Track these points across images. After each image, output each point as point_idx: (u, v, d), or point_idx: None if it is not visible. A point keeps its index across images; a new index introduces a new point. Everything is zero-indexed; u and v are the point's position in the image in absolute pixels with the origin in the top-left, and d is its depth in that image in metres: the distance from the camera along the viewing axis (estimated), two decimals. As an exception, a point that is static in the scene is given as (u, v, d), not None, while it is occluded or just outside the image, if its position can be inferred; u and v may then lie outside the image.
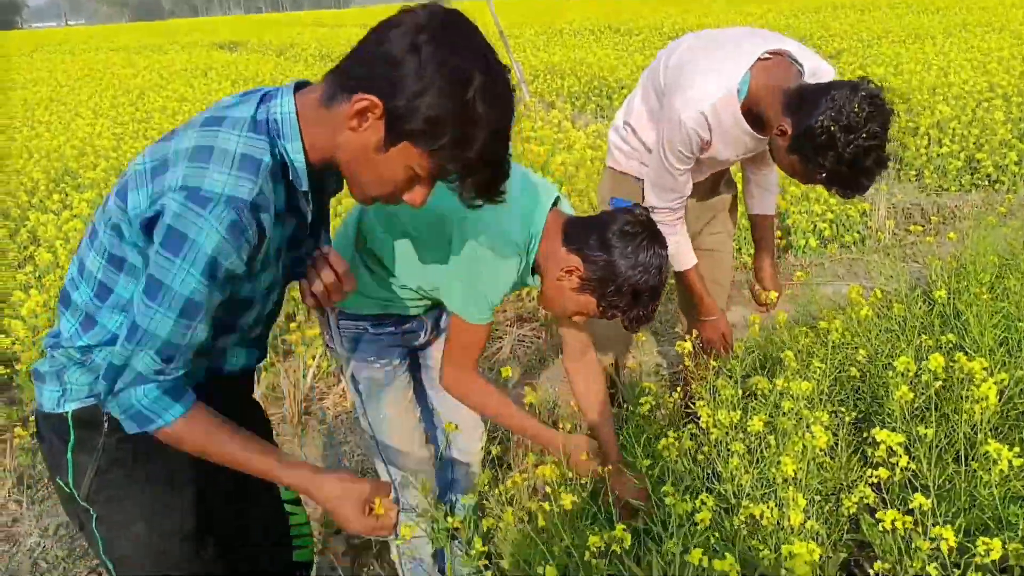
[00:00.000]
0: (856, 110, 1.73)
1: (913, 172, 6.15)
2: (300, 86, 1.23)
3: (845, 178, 1.81)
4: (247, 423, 1.51)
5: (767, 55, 2.01)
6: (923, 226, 4.97)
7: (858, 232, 4.92)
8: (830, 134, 1.74)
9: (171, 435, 1.22)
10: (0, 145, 7.31)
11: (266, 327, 1.43)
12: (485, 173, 1.17)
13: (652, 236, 1.62)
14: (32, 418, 1.39)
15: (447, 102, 1.08)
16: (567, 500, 1.63)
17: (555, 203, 1.71)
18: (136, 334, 1.16)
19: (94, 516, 1.33)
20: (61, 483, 1.34)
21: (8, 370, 3.42)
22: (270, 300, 1.36)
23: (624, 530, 1.46)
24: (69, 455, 1.31)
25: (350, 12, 57.21)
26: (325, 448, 3.03)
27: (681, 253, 2.30)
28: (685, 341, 2.34)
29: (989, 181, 5.86)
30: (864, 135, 1.73)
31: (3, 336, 3.48)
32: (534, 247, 1.66)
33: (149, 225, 1.13)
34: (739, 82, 2.00)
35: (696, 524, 1.47)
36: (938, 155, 6.03)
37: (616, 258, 1.59)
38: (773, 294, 2.45)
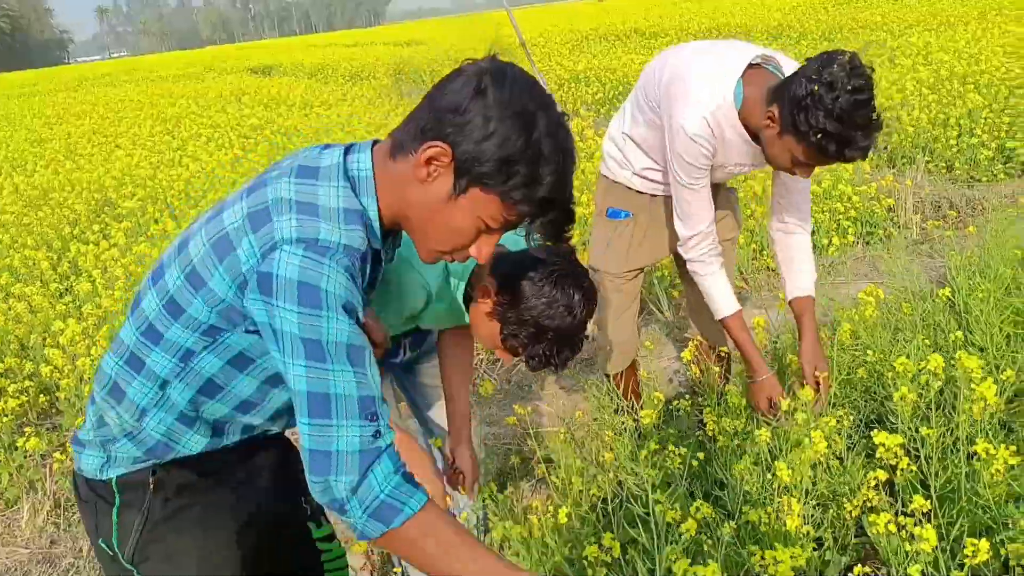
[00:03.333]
0: (834, 70, 1.79)
1: (944, 164, 6.03)
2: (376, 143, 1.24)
3: (841, 136, 1.81)
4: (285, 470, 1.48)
5: (756, 60, 2.05)
6: (945, 220, 4.87)
7: (883, 229, 4.85)
8: (813, 94, 1.79)
9: (412, 531, 1.10)
10: (45, 179, 7.60)
11: None
12: (555, 213, 1.18)
13: (567, 273, 1.52)
14: (73, 478, 1.37)
15: (516, 140, 1.10)
16: (563, 514, 1.66)
17: None
18: (323, 407, 1.09)
19: None
20: (104, 545, 1.32)
21: (48, 397, 3.57)
22: None
23: (612, 538, 1.49)
24: (115, 517, 1.30)
25: (381, 30, 58.05)
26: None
27: (719, 296, 2.21)
28: (692, 348, 2.37)
29: (1023, 170, 5.72)
30: (849, 88, 1.77)
31: (44, 364, 3.63)
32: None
33: (266, 283, 1.10)
34: (733, 90, 2.04)
35: (683, 533, 1.49)
36: (968, 146, 5.91)
37: (523, 283, 1.51)
38: (822, 374, 2.16)
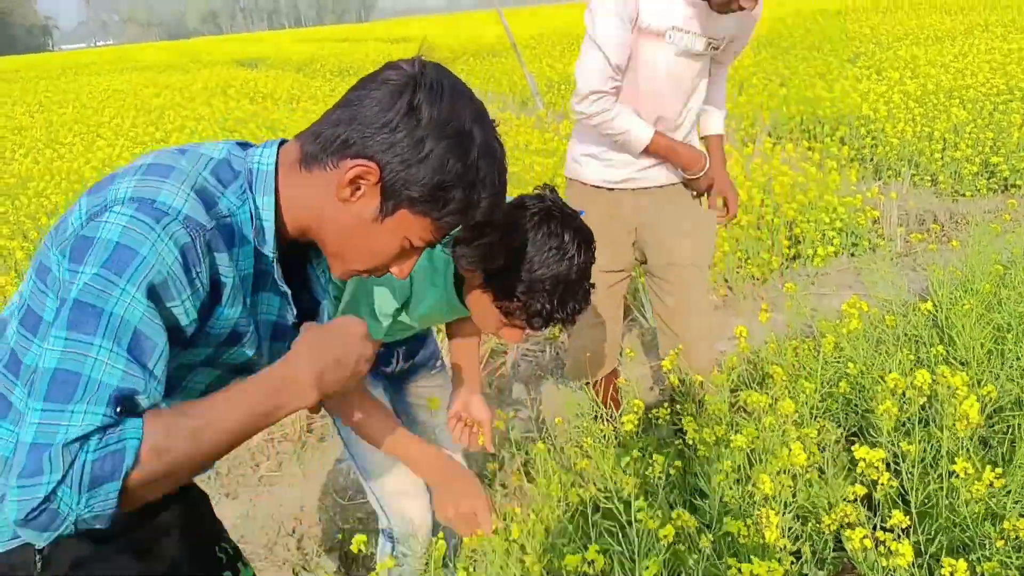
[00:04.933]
0: None
1: (929, 177, 6.08)
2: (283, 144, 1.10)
3: None
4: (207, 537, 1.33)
5: None
6: (929, 233, 4.91)
7: (868, 240, 4.87)
8: None
9: (149, 458, 0.86)
10: (24, 167, 7.48)
11: None
12: (491, 236, 1.09)
13: (546, 213, 1.38)
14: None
15: (453, 164, 0.99)
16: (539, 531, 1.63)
17: None
18: (67, 389, 0.84)
19: None
20: None
21: None
22: None
23: (597, 551, 1.47)
24: None
25: (371, 26, 57.87)
26: (324, 466, 3.06)
27: (633, 130, 2.20)
28: (672, 357, 2.35)
29: (1006, 185, 5.77)
30: None
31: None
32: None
33: (82, 247, 0.91)
34: None
35: (661, 539, 1.47)
36: (952, 159, 5.95)
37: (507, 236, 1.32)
38: (719, 200, 2.37)
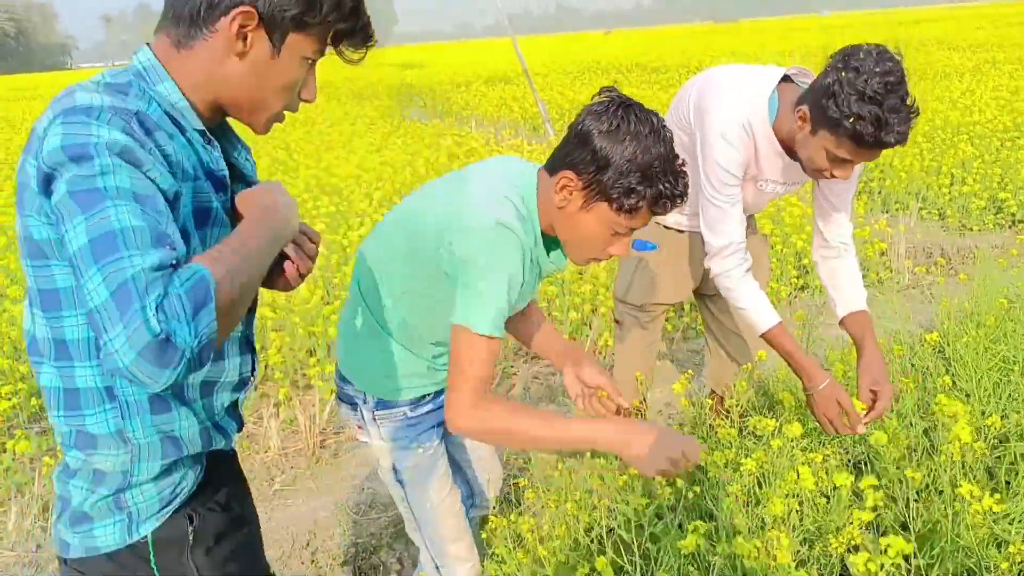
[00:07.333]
0: (861, 56, 1.76)
1: (936, 211, 6.14)
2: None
3: (876, 117, 1.72)
4: (241, 502, 1.38)
5: (792, 71, 2.04)
6: (936, 267, 4.96)
7: (876, 273, 4.93)
8: (841, 80, 1.74)
9: (224, 280, 0.93)
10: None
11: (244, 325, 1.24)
12: (350, 23, 1.13)
13: (625, 105, 1.43)
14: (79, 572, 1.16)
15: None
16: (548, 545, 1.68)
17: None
18: (110, 244, 0.89)
19: None
20: None
21: (39, 400, 3.56)
22: None
23: (607, 564, 1.52)
24: None
25: (386, 51, 58.48)
26: (338, 481, 3.11)
27: (756, 308, 2.07)
28: (683, 380, 2.40)
29: (1013, 221, 5.83)
30: (877, 71, 1.72)
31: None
32: (531, 209, 1.50)
33: (43, 174, 0.95)
34: (768, 100, 2.02)
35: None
36: (960, 194, 6.02)
37: (597, 142, 1.40)
38: (859, 405, 2.02)
